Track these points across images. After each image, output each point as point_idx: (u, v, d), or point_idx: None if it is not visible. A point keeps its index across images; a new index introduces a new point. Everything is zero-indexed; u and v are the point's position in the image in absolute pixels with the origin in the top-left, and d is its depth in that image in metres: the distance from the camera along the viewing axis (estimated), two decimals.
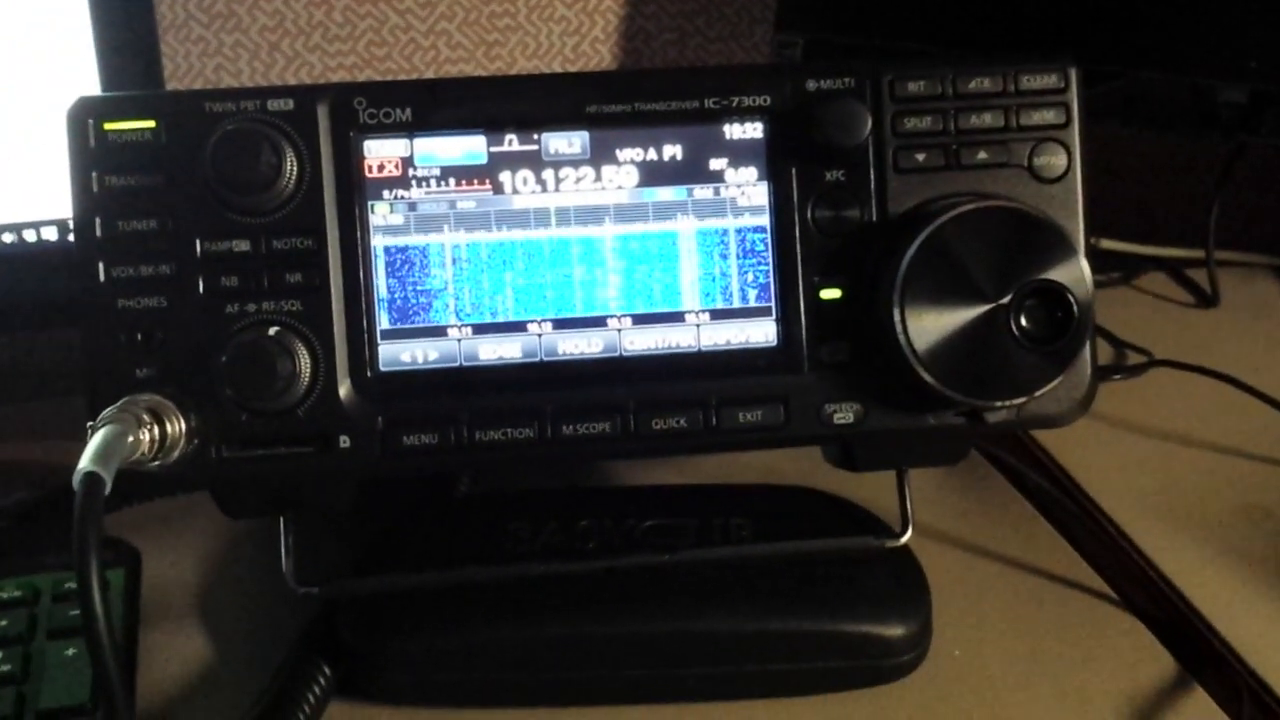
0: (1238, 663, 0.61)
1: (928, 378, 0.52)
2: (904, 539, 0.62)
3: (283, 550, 0.58)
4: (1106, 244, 0.97)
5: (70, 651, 0.59)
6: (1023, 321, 0.52)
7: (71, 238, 0.71)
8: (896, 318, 0.52)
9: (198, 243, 0.52)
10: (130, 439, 0.47)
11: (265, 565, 0.65)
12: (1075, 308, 0.52)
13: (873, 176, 0.55)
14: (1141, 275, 0.99)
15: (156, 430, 0.49)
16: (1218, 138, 0.81)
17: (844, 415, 0.54)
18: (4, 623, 0.61)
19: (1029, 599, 0.66)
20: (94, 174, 0.52)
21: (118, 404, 0.49)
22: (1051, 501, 0.72)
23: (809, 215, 0.55)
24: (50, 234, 0.76)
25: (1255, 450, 0.76)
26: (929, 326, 0.52)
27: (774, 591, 0.60)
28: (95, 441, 0.45)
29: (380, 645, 0.59)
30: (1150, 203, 1.02)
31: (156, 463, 0.50)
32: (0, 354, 0.88)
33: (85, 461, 0.44)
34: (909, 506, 0.62)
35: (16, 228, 0.75)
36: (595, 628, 0.59)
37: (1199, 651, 0.62)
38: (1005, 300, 0.52)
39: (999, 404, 0.52)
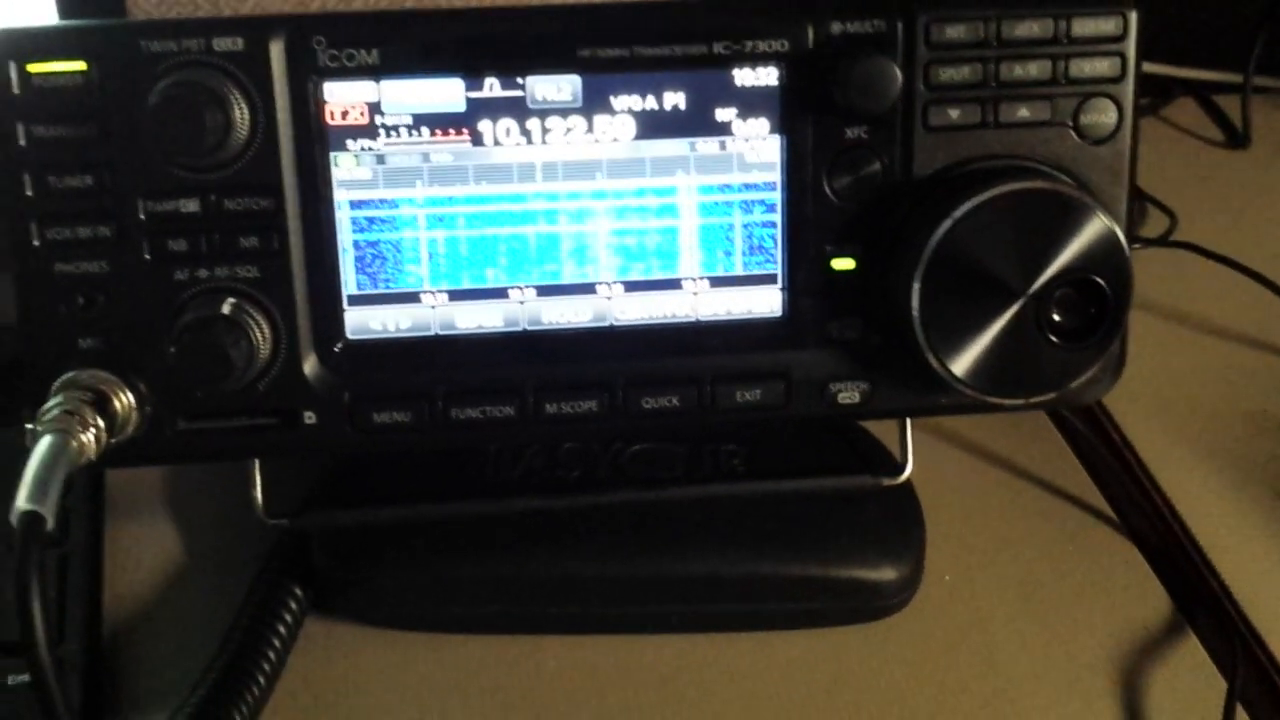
0: (1233, 609, 0.59)
1: (946, 373, 0.48)
2: (903, 477, 0.59)
3: (252, 483, 0.55)
4: None
5: None
6: (1054, 315, 0.47)
7: None
8: (915, 307, 0.47)
9: (140, 203, 0.46)
10: (74, 445, 0.43)
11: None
12: (1112, 300, 0.47)
13: (899, 134, 0.49)
14: (1169, 103, 0.92)
15: (102, 421, 0.45)
16: None
17: (849, 395, 0.51)
18: None
19: (1026, 514, 0.64)
20: (20, 124, 0.46)
21: (57, 399, 0.45)
22: None
23: (825, 176, 0.49)
24: None
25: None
26: (951, 318, 0.47)
27: (761, 530, 0.58)
28: (32, 467, 0.42)
29: (354, 573, 0.57)
30: (1183, 20, 0.94)
31: (112, 441, 0.46)
32: None
33: (22, 498, 0.41)
34: (909, 443, 0.59)
35: None
36: (575, 566, 0.57)
37: (1195, 590, 0.60)
38: (1035, 292, 0.47)
39: (1023, 401, 0.48)
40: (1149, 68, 0.90)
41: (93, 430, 0.45)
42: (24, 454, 0.57)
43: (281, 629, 0.55)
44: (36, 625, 0.40)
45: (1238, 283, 0.75)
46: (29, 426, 0.44)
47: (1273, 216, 0.82)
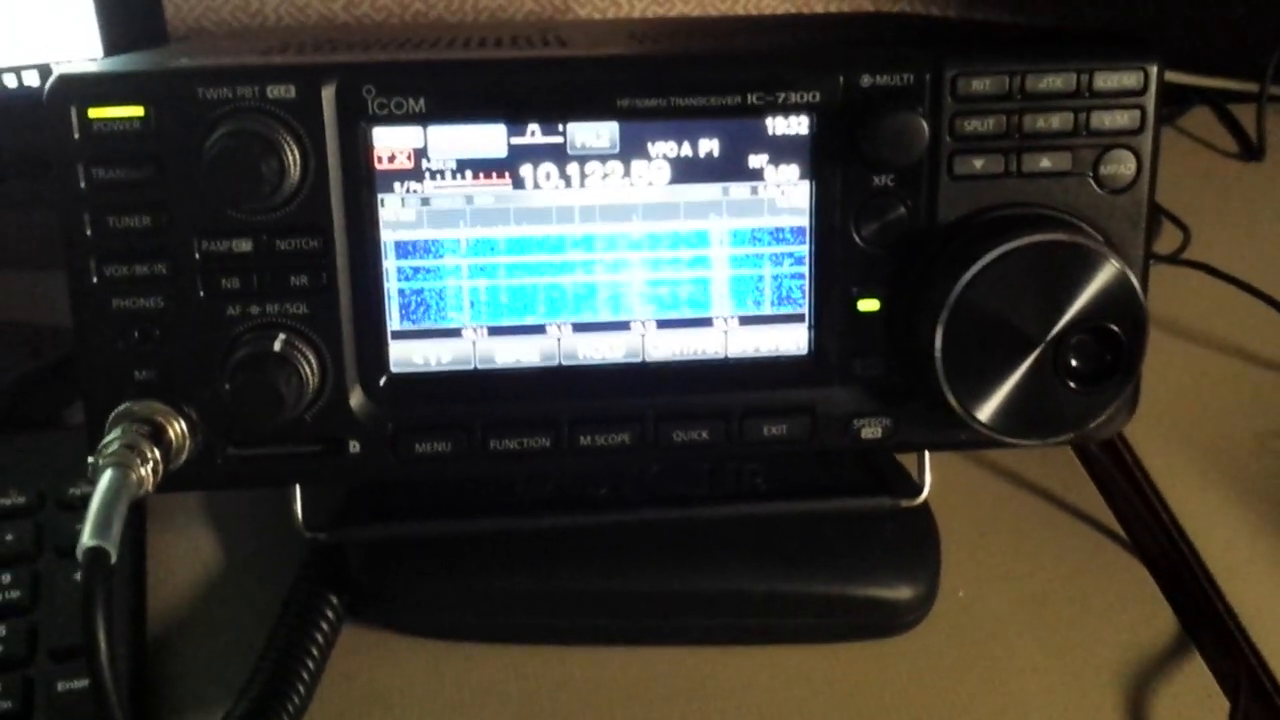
0: (1238, 631, 0.61)
1: (966, 415, 0.50)
2: (920, 498, 0.61)
3: (292, 499, 0.57)
4: None
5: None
6: (1071, 361, 0.49)
7: None
8: (938, 351, 0.49)
9: (195, 242, 0.48)
10: (133, 478, 0.45)
11: None
12: (1127, 347, 0.49)
13: (925, 182, 0.50)
14: (1186, 112, 0.93)
15: (159, 452, 0.47)
16: None
17: (872, 430, 0.53)
18: (8, 536, 0.60)
19: (1038, 532, 0.66)
20: (80, 166, 0.47)
21: (115, 433, 0.47)
22: None
23: (852, 221, 0.51)
24: (31, 79, 0.71)
25: None
26: (972, 362, 0.49)
27: (782, 548, 0.60)
28: (95, 503, 0.44)
29: (388, 583, 0.59)
30: (1202, 29, 0.95)
31: (169, 469, 0.49)
32: None
33: (87, 535, 0.43)
34: (927, 468, 0.61)
35: None
36: (601, 580, 0.59)
37: (1202, 611, 0.62)
38: (1053, 338, 0.49)
39: (1040, 442, 0.50)
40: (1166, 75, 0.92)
41: (151, 463, 0.47)
42: (69, 452, 0.60)
43: (320, 637, 0.58)
44: (102, 659, 0.42)
45: (1250, 301, 0.76)
46: (90, 460, 0.46)
47: None
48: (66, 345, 0.72)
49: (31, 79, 0.71)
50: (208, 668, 0.57)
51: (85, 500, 0.43)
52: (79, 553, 0.43)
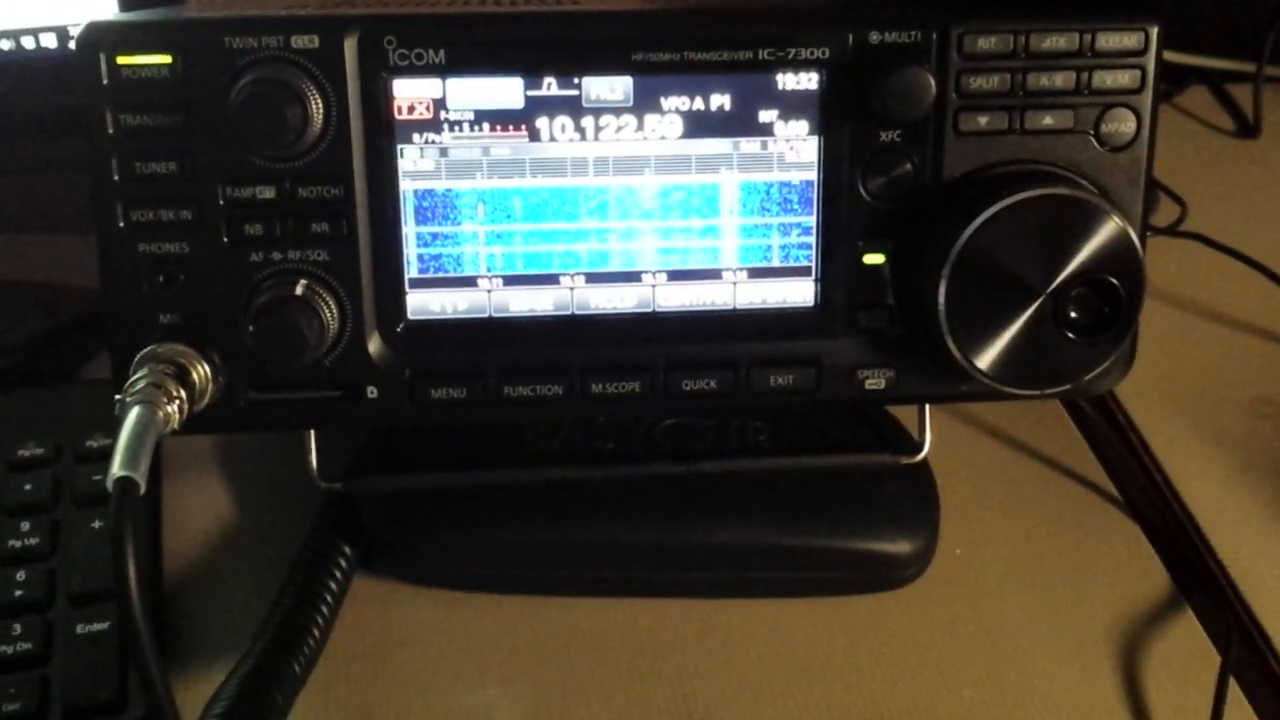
0: (1229, 587, 0.62)
1: (968, 364, 0.51)
2: (920, 455, 0.62)
3: (307, 449, 0.58)
4: None
5: (99, 524, 0.60)
6: (1070, 313, 0.50)
7: (72, 45, 0.69)
8: (941, 302, 0.50)
9: (220, 189, 0.49)
10: (160, 415, 0.47)
11: None
12: (1125, 300, 0.50)
13: (931, 138, 0.52)
14: (1183, 91, 0.95)
15: (184, 392, 0.48)
16: None
17: (876, 381, 0.54)
18: (27, 486, 0.61)
19: (1035, 492, 0.67)
20: (108, 112, 0.49)
21: (142, 372, 0.48)
22: None
23: (859, 176, 0.52)
24: (49, 41, 0.73)
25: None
26: (974, 313, 0.50)
27: (785, 503, 0.61)
28: (124, 437, 0.45)
29: (400, 534, 0.60)
30: (1200, 9, 0.96)
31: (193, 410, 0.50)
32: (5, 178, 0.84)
33: (116, 465, 0.44)
34: (927, 424, 0.62)
35: (14, 34, 0.71)
36: (608, 532, 0.60)
37: (1194, 569, 0.63)
38: (1054, 290, 0.50)
39: (1039, 392, 0.52)
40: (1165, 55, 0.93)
41: (176, 401, 0.48)
42: (85, 406, 0.62)
43: (333, 585, 0.59)
44: (131, 584, 0.43)
45: (1245, 272, 0.78)
46: (117, 398, 0.48)
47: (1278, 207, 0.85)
48: (82, 304, 0.73)
49: (49, 41, 0.72)
50: (222, 616, 0.59)
51: (102, 452, 0.44)
52: (109, 482, 0.44)
